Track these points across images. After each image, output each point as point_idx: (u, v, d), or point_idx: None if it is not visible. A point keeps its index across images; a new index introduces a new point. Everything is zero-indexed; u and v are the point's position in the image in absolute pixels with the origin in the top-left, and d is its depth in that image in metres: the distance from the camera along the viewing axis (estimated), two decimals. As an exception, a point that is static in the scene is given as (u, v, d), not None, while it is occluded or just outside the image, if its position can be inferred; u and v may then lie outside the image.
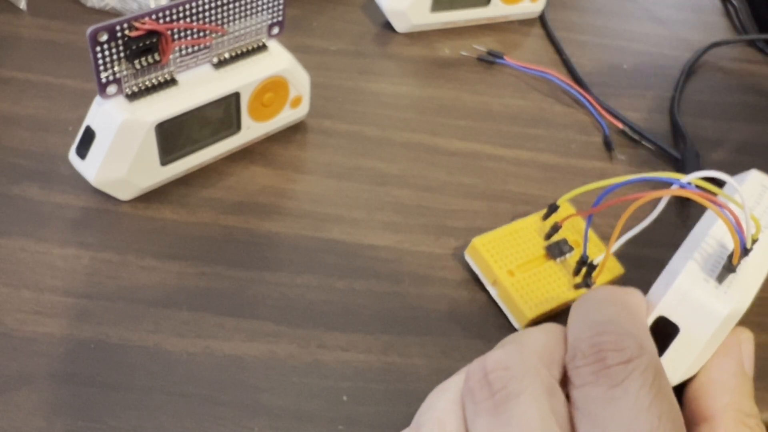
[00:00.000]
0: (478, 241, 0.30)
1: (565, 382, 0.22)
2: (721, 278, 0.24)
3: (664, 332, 0.24)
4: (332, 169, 0.35)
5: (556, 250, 0.31)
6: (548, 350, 0.22)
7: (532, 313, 0.29)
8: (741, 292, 0.25)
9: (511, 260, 0.30)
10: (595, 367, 0.20)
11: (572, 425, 0.20)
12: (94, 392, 0.26)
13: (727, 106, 0.43)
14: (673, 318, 0.24)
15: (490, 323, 0.30)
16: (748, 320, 0.25)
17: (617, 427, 0.19)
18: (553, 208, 0.31)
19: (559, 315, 0.30)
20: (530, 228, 0.31)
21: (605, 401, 0.19)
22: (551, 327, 0.23)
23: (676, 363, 0.24)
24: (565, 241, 0.31)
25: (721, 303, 0.24)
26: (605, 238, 0.32)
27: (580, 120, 0.40)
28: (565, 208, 0.32)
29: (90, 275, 0.29)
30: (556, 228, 0.31)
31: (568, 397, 0.21)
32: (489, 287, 0.30)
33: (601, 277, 0.30)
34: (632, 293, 0.24)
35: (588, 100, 0.41)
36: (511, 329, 0.30)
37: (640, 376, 0.20)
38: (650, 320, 0.25)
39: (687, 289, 0.24)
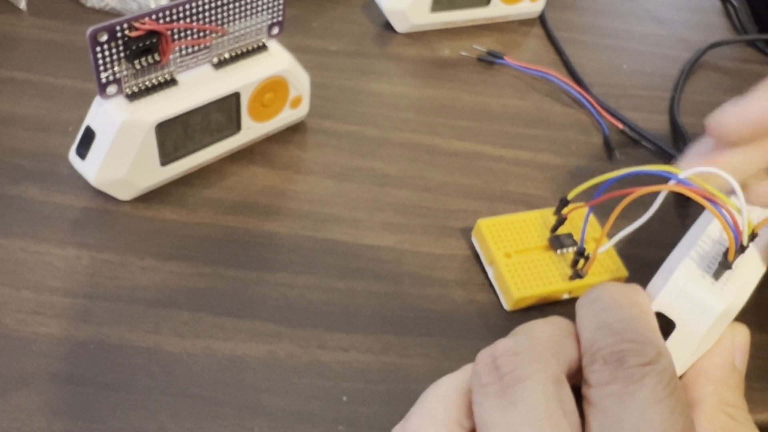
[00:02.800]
0: (483, 223, 0.31)
1: (570, 376, 0.22)
2: (717, 275, 0.24)
3: (660, 328, 0.24)
4: (332, 170, 0.35)
5: (558, 242, 0.31)
6: (556, 343, 0.22)
7: (520, 294, 0.29)
8: (737, 288, 0.25)
9: (512, 245, 0.31)
10: (613, 368, 0.20)
11: (583, 420, 0.20)
12: (94, 393, 0.26)
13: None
14: (670, 314, 0.24)
15: (489, 324, 0.30)
16: (747, 320, 0.25)
17: (630, 418, 0.19)
18: (564, 203, 0.31)
19: (549, 305, 0.31)
20: (538, 219, 0.32)
21: (621, 396, 0.20)
22: (559, 320, 0.23)
23: (673, 358, 0.24)
24: (569, 236, 0.31)
25: (717, 299, 0.24)
26: (610, 236, 0.32)
27: (580, 120, 0.40)
28: (575, 203, 0.32)
29: (90, 275, 0.29)
30: (562, 220, 0.31)
31: (576, 394, 0.21)
32: (487, 267, 0.31)
33: (602, 276, 0.31)
34: (638, 291, 0.24)
35: (588, 100, 0.41)
36: (508, 325, 0.30)
37: (657, 376, 0.20)
38: None
39: (683, 285, 0.24)
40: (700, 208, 0.26)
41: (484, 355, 0.21)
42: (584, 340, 0.22)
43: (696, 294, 0.24)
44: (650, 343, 0.21)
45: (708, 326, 0.24)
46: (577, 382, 0.22)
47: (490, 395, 0.20)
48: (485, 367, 0.21)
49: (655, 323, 0.23)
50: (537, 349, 0.21)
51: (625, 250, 0.31)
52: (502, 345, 0.21)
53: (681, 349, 0.24)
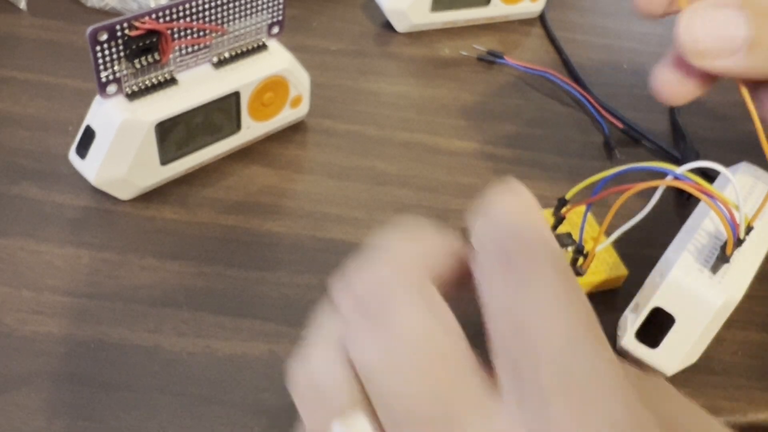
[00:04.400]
0: None
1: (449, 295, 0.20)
2: (715, 268, 0.25)
3: (660, 323, 0.24)
4: (332, 169, 0.35)
5: (557, 242, 0.31)
6: (424, 257, 0.20)
7: None
8: (735, 281, 0.25)
9: None
10: (503, 262, 0.19)
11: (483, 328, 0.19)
12: (94, 392, 0.26)
13: (727, 106, 0.43)
14: (669, 308, 0.24)
15: (490, 323, 0.30)
16: (747, 320, 0.25)
17: (529, 312, 0.18)
18: (562, 203, 0.31)
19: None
20: None
21: (515, 290, 0.18)
22: (425, 235, 0.21)
23: (673, 353, 0.24)
24: (568, 235, 0.31)
25: (716, 293, 0.24)
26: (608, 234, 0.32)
27: (580, 120, 0.40)
28: (573, 203, 0.32)
29: (90, 275, 0.29)
30: (560, 220, 0.31)
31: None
32: None
33: (602, 274, 0.31)
34: (529, 200, 0.21)
35: (588, 100, 0.41)
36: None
37: (550, 266, 0.18)
38: (646, 311, 0.25)
39: (681, 279, 0.24)
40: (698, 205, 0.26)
41: (345, 296, 0.19)
42: (474, 245, 0.20)
43: (694, 288, 0.24)
44: (539, 236, 0.19)
45: (707, 320, 0.24)
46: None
47: (362, 331, 0.18)
48: (350, 311, 0.19)
49: (544, 221, 0.21)
50: (402, 270, 0.19)
51: (625, 248, 0.31)
52: (360, 278, 0.19)
53: (681, 343, 0.24)
